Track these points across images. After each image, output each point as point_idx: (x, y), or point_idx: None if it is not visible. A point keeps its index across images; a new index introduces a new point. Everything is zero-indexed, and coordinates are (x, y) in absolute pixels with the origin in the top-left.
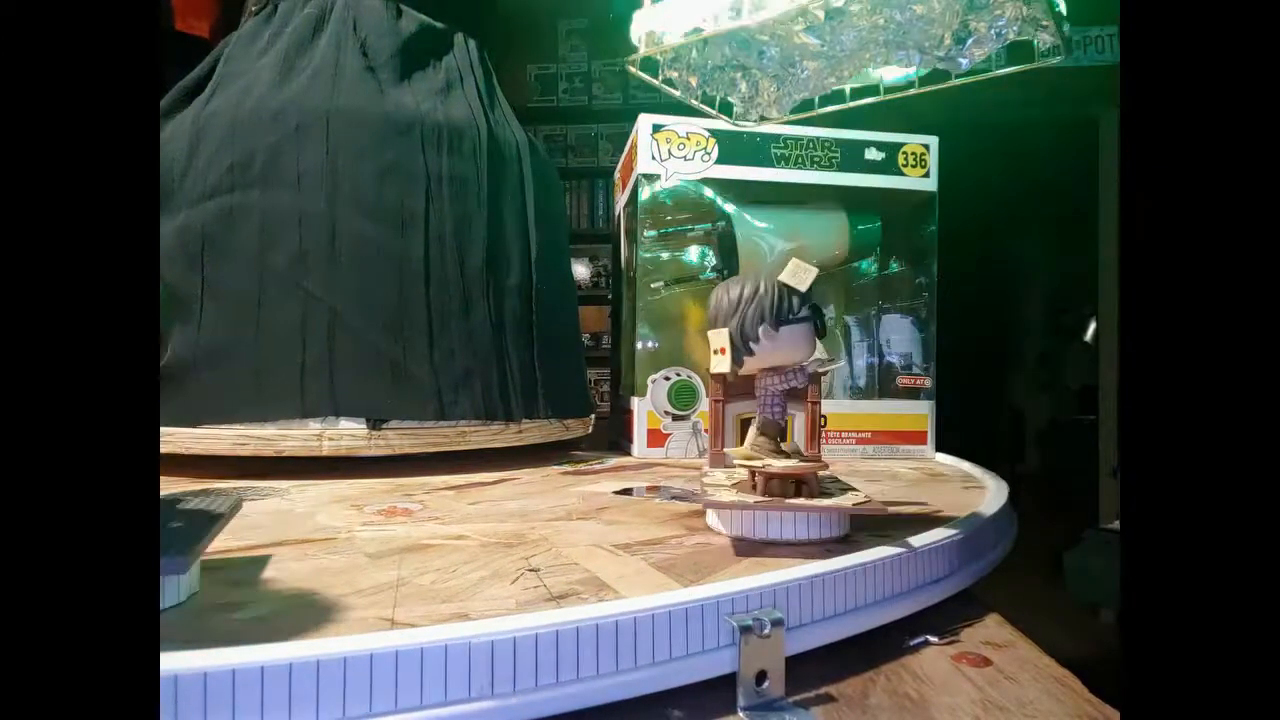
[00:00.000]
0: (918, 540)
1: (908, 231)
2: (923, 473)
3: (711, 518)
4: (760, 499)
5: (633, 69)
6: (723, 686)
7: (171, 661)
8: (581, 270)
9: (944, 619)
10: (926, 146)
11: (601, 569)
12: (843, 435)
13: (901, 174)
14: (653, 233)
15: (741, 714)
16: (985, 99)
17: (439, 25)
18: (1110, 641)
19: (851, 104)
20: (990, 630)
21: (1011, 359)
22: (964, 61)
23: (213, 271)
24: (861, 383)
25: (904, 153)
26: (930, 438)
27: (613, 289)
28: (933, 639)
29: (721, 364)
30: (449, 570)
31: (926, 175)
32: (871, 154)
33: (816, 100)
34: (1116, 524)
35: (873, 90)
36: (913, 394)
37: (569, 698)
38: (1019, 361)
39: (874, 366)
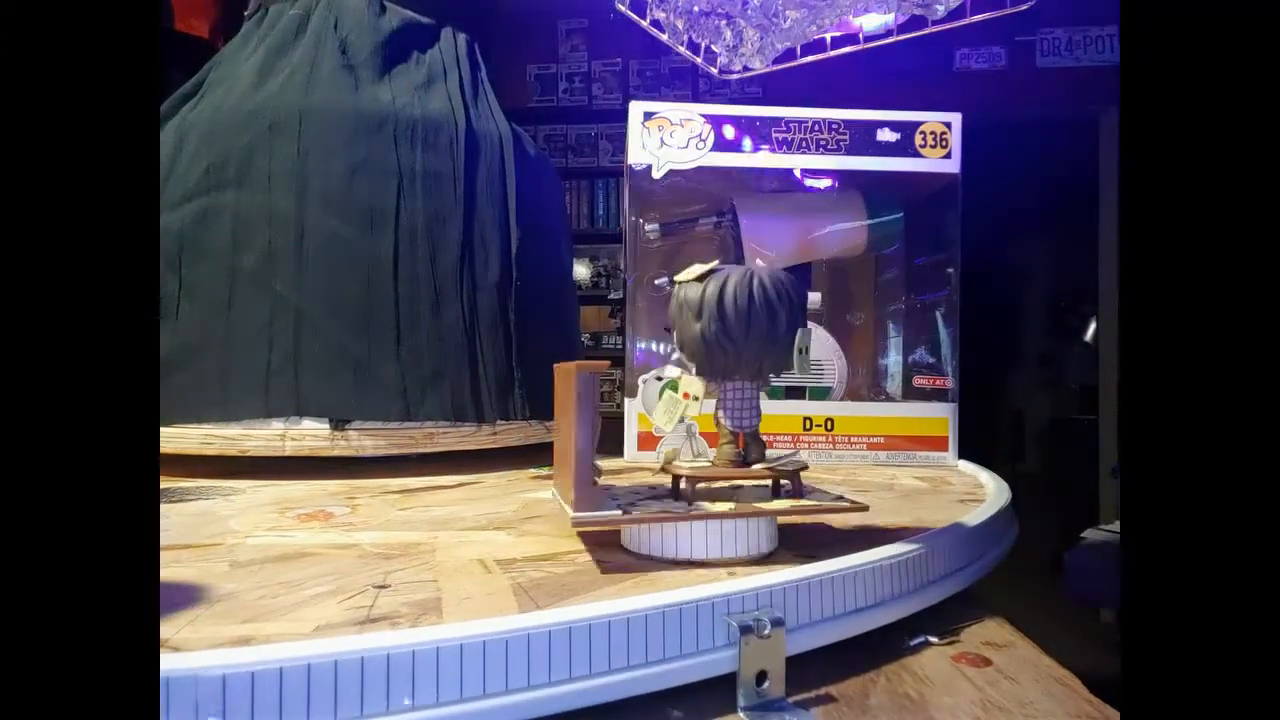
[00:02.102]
0: (860, 557)
1: (929, 218)
2: (929, 482)
3: (626, 535)
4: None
5: (622, 7)
6: (723, 687)
7: (167, 663)
8: (581, 270)
9: (944, 619)
10: (948, 125)
11: (456, 588)
12: (851, 440)
13: (920, 155)
14: (654, 226)
15: (741, 714)
16: (985, 98)
17: (424, 20)
18: (1110, 641)
19: (832, 53)
20: (990, 630)
21: (1011, 359)
22: (940, 7)
23: (189, 273)
24: (893, 384)
25: (922, 132)
26: (952, 443)
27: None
28: (933, 639)
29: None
30: (294, 584)
31: (948, 156)
32: (885, 135)
33: (798, 49)
34: (1116, 524)
35: (852, 40)
36: (930, 395)
37: (569, 696)
38: (1019, 361)
39: (899, 366)
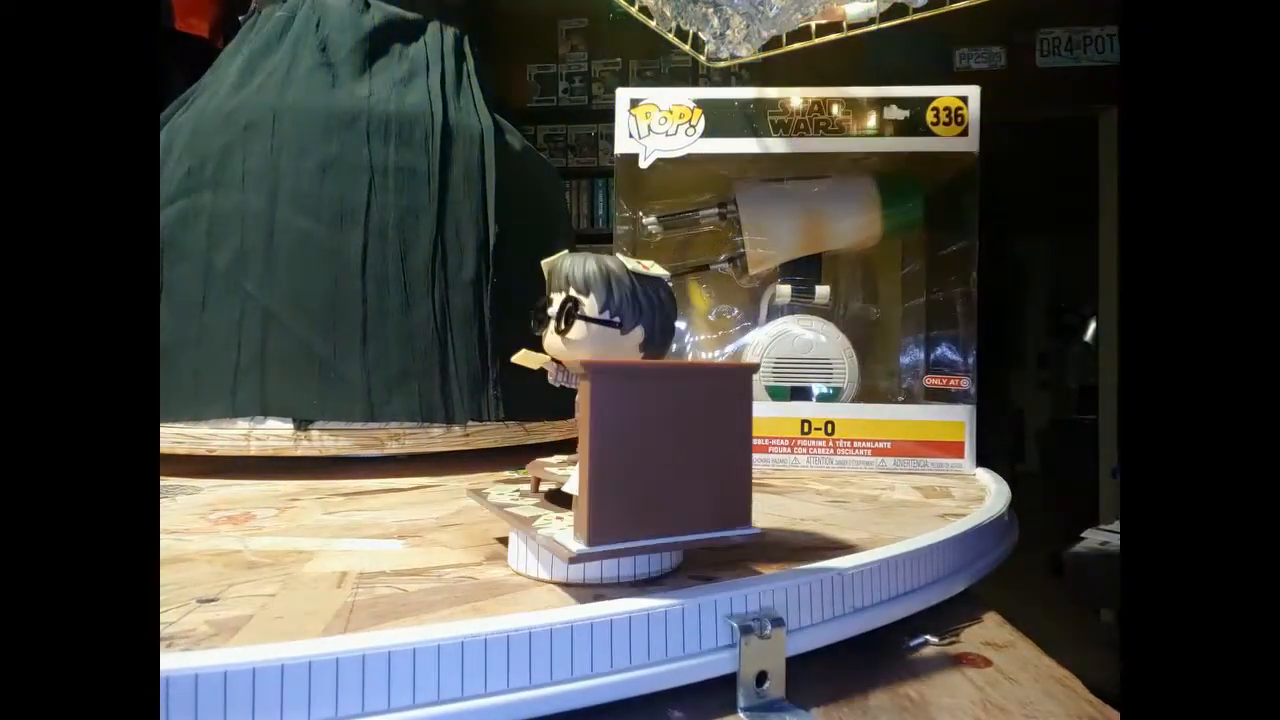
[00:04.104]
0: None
1: (945, 202)
2: (924, 493)
3: (512, 555)
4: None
5: None
6: (723, 687)
7: (166, 662)
8: None
9: (944, 619)
10: (964, 99)
11: (282, 605)
12: (855, 445)
13: (932, 134)
14: (652, 218)
15: (742, 714)
16: (984, 98)
17: (410, 15)
18: (1110, 641)
19: (817, 40)
20: (990, 631)
21: (1011, 359)
22: None
23: (169, 274)
24: (916, 384)
25: (934, 108)
26: (969, 449)
27: None
28: (933, 639)
29: None
30: None
31: (965, 133)
32: (893, 113)
33: (784, 37)
34: (1116, 524)
35: (836, 27)
36: (954, 398)
37: (569, 696)
38: (1019, 361)
39: (921, 363)
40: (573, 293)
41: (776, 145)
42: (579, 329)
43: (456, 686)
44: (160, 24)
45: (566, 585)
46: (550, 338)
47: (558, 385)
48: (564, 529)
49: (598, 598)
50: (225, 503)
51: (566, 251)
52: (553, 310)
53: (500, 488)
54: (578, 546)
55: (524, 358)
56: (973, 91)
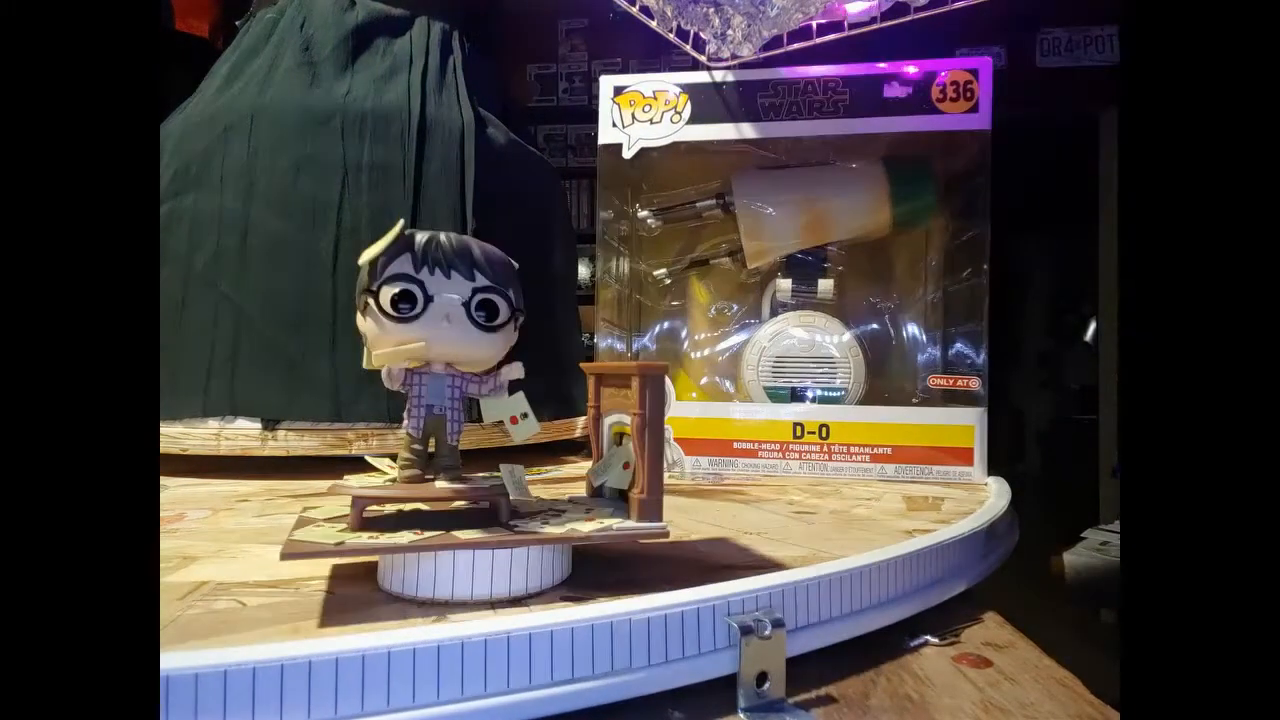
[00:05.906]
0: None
1: (957, 187)
2: (910, 504)
3: (386, 575)
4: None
5: None
6: (723, 687)
7: (166, 662)
8: (582, 270)
9: (944, 619)
10: (973, 72)
11: None
12: (852, 451)
13: (938, 111)
14: (646, 212)
15: (742, 715)
16: None
17: (395, 12)
18: (1110, 641)
19: (818, 40)
20: (990, 631)
21: (1011, 359)
22: None
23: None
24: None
25: (940, 84)
26: (979, 456)
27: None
28: (933, 640)
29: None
30: None
31: (974, 110)
32: (894, 90)
33: (785, 37)
34: (1116, 524)
35: (837, 27)
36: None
37: (570, 697)
38: (1019, 361)
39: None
40: (486, 281)
41: (768, 130)
42: (509, 328)
43: (456, 688)
44: (160, 24)
45: (415, 601)
46: (455, 333)
47: (395, 389)
48: (604, 522)
49: (437, 620)
50: (177, 502)
51: (403, 221)
52: (451, 298)
53: (324, 529)
54: (666, 525)
55: (388, 356)
56: (984, 63)
